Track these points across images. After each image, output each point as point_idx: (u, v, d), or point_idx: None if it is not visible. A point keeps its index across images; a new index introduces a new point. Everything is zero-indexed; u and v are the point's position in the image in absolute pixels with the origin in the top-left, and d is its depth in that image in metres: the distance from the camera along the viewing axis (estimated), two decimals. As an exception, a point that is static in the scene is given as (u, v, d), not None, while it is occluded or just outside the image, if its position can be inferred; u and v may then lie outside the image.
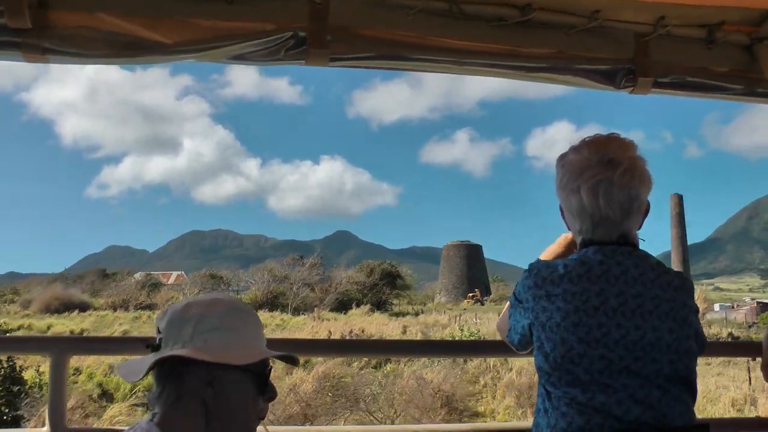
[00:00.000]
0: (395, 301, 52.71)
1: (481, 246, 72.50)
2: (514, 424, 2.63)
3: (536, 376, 1.89)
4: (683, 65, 2.47)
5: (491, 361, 21.14)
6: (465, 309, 49.75)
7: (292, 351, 1.90)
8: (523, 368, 19.69)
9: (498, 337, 2.47)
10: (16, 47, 2.12)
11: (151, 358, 1.56)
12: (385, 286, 51.01)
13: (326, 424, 15.52)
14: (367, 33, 2.30)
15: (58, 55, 2.15)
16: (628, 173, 1.82)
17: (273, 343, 1.78)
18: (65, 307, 38.95)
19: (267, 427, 1.83)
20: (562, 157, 1.95)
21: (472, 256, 69.30)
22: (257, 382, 1.59)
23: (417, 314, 43.82)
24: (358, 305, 44.95)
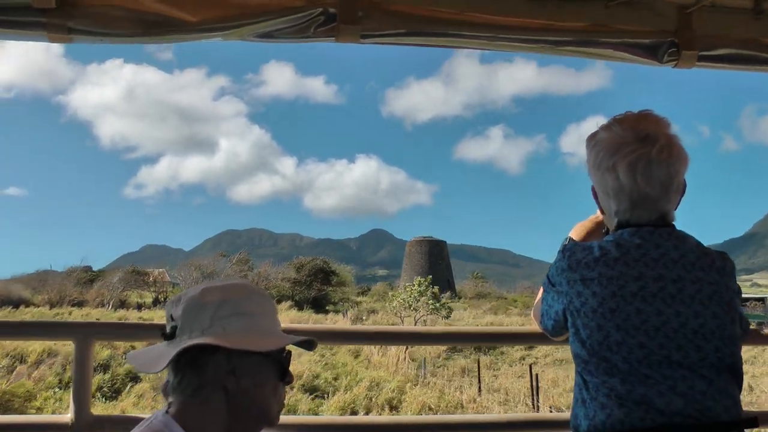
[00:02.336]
0: (336, 297, 53.31)
1: (444, 242, 72.72)
2: (553, 415, 2.63)
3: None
4: (729, 37, 2.45)
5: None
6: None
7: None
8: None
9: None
10: (41, 27, 2.15)
11: (164, 347, 1.56)
12: (315, 282, 51.90)
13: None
14: (399, 8, 2.30)
15: (83, 34, 2.18)
16: (666, 149, 1.78)
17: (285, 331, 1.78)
18: (1, 303, 39.89)
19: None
20: (592, 137, 1.91)
21: (434, 252, 69.60)
22: (278, 368, 1.61)
23: (343, 312, 44.97)
24: (279, 302, 45.67)
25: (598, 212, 2.31)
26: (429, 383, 20.21)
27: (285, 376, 1.63)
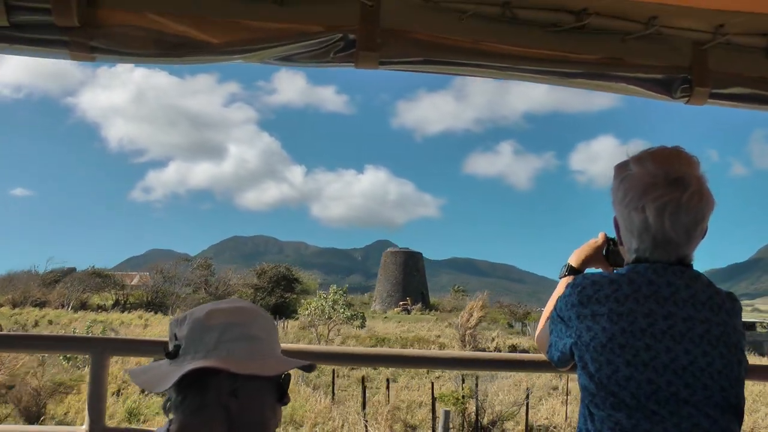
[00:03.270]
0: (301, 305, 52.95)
1: (420, 254, 72.63)
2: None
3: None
4: (742, 75, 2.49)
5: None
6: (386, 317, 50.02)
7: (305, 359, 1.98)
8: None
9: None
10: (63, 46, 2.19)
11: (167, 365, 1.61)
12: (277, 289, 52.38)
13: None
14: (418, 36, 2.34)
15: (106, 54, 2.22)
16: (696, 195, 1.81)
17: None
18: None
19: None
20: (623, 168, 1.92)
21: (409, 264, 69.60)
22: (278, 390, 1.67)
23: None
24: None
25: (599, 236, 2.35)
26: (299, 391, 20.47)
27: (283, 398, 1.69)
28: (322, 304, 36.87)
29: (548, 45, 2.42)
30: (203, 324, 1.60)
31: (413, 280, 68.67)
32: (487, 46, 2.40)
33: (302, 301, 53.39)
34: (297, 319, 44.62)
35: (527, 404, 17.84)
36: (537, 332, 2.24)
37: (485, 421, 17.58)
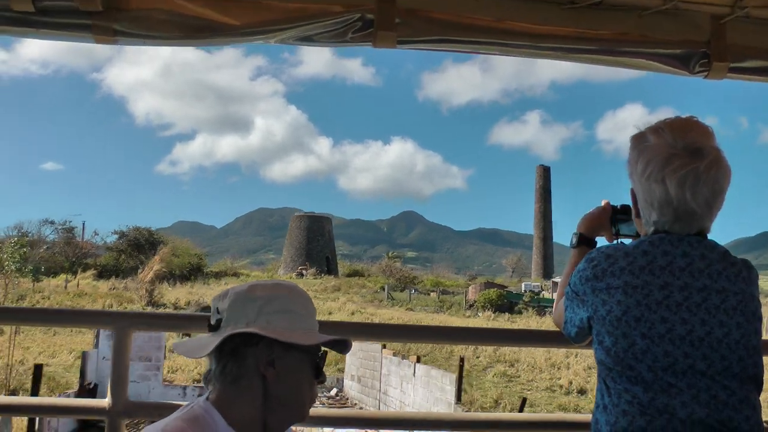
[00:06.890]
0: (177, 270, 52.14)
1: (328, 218, 70.97)
2: (573, 416, 2.69)
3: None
4: (761, 49, 2.48)
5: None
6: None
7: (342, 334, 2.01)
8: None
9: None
10: (87, 29, 2.23)
11: (209, 337, 1.66)
12: (135, 252, 52.74)
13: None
14: (435, 15, 2.36)
15: (129, 37, 2.26)
16: (714, 166, 1.78)
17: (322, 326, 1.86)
18: None
19: None
20: (641, 140, 1.88)
21: (314, 228, 68.16)
22: (315, 366, 1.71)
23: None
24: (85, 269, 47.57)
25: (604, 204, 2.33)
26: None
27: (319, 375, 1.73)
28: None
29: (566, 22, 2.42)
30: (245, 296, 1.66)
31: (317, 245, 67.65)
32: (503, 24, 2.41)
33: (174, 263, 53.21)
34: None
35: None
36: (554, 308, 2.24)
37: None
